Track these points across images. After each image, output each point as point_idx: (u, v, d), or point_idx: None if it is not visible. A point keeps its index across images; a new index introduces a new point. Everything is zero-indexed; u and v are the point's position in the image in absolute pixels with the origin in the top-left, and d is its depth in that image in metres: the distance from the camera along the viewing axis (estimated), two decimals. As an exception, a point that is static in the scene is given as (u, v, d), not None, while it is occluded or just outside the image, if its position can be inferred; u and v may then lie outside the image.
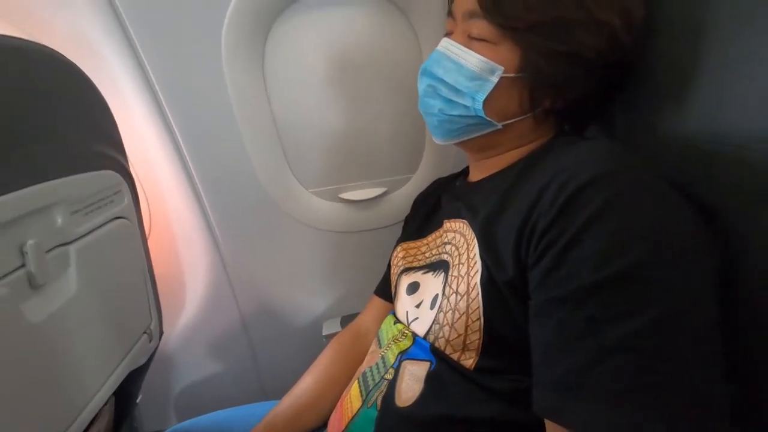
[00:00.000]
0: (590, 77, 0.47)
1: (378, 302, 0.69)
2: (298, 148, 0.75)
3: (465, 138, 0.52)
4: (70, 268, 0.45)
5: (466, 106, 0.48)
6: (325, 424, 0.59)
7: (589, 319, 0.33)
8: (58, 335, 0.43)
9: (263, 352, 0.90)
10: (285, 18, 0.65)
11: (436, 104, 0.51)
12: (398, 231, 0.70)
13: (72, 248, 0.46)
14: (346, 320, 0.81)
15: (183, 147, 0.68)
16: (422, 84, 0.53)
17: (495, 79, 0.47)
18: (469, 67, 0.48)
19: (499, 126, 0.49)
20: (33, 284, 0.40)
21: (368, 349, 0.60)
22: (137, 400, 0.73)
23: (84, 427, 0.49)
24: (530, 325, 0.38)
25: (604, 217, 0.34)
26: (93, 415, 0.51)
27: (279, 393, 0.65)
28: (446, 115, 0.50)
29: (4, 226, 0.37)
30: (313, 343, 0.82)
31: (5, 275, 0.37)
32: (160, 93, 0.63)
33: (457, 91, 0.49)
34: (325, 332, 0.80)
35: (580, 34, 0.44)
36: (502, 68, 0.46)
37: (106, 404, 0.57)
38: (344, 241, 0.82)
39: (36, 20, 0.56)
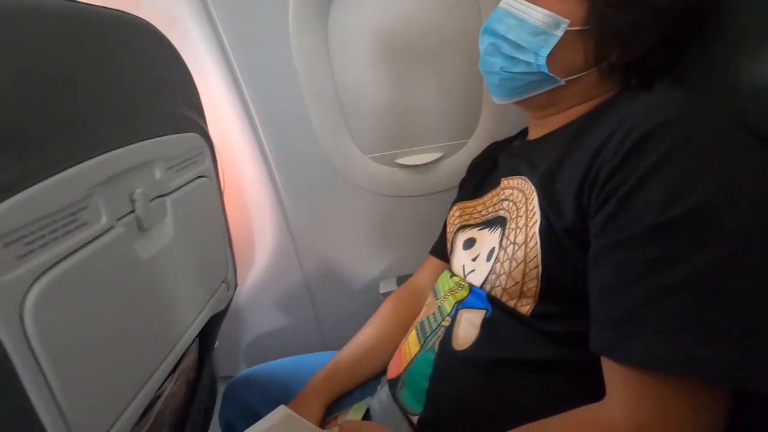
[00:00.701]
0: (660, 27, 0.46)
1: (433, 261, 0.72)
2: (358, 115, 0.78)
3: (527, 96, 0.53)
4: (167, 216, 0.52)
5: (528, 63, 0.49)
6: (384, 371, 0.64)
7: (649, 260, 0.34)
8: (160, 273, 0.50)
9: (324, 308, 0.96)
10: (347, -13, 0.67)
11: (498, 62, 0.52)
12: (453, 195, 0.72)
13: (168, 200, 0.52)
14: (402, 280, 0.85)
15: (254, 113, 0.74)
16: (483, 43, 0.54)
17: (560, 33, 0.47)
18: (532, 22, 0.48)
19: (563, 82, 0.49)
20: (141, 227, 0.47)
21: (424, 304, 0.63)
22: (215, 345, 0.81)
23: (178, 358, 0.57)
24: (590, 270, 0.39)
25: (671, 161, 0.35)
26: (184, 349, 0.58)
27: (338, 345, 0.70)
28: (508, 72, 0.51)
29: (119, 175, 0.43)
30: (370, 300, 0.87)
31: (121, 217, 0.44)
32: (235, 65, 0.68)
33: (519, 47, 0.49)
34: (382, 290, 0.84)
35: None
36: (568, 21, 0.46)
37: (192, 343, 0.65)
38: (400, 205, 0.86)
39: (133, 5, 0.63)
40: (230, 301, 0.73)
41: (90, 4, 0.42)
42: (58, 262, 0.35)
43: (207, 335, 0.74)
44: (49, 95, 0.35)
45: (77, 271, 0.37)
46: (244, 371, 0.81)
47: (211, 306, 0.65)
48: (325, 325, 0.99)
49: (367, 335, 0.69)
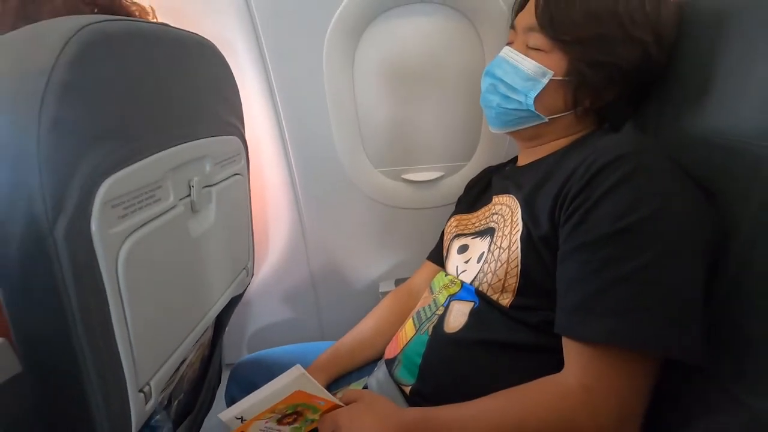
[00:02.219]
0: (625, 83, 0.57)
1: (430, 266, 0.82)
2: (372, 133, 0.89)
3: (517, 128, 0.64)
4: (211, 203, 0.62)
5: (519, 102, 0.60)
6: (380, 358, 0.72)
7: (602, 259, 0.45)
8: (202, 250, 0.59)
9: (326, 304, 1.05)
10: (374, 25, 0.79)
11: (495, 99, 0.63)
12: (450, 210, 0.82)
13: (213, 190, 0.62)
14: (400, 282, 0.94)
15: (284, 124, 0.85)
16: (485, 82, 0.65)
17: (545, 81, 0.58)
18: (524, 70, 0.59)
19: (546, 119, 0.61)
20: (193, 209, 0.56)
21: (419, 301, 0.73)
22: (225, 329, 0.89)
23: (206, 327, 0.65)
24: (558, 268, 0.49)
25: (621, 186, 0.45)
26: (211, 320, 0.67)
27: (336, 337, 0.79)
28: (503, 108, 0.62)
29: (183, 164, 0.53)
30: (369, 299, 0.96)
31: (182, 198, 0.54)
32: (273, 82, 0.80)
33: (513, 89, 0.61)
34: (381, 290, 0.94)
35: (617, 48, 0.54)
36: (552, 72, 0.58)
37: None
38: (403, 216, 0.96)
39: (190, 21, 0.74)
40: (247, 287, 0.82)
41: (176, 28, 0.53)
42: (141, 226, 0.45)
43: (221, 317, 0.82)
44: (146, 98, 0.46)
45: (150, 236, 0.46)
46: (250, 355, 0.89)
47: (233, 288, 0.74)
48: (326, 320, 1.08)
49: (366, 325, 0.78)
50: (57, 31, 0.37)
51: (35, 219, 0.34)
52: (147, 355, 0.47)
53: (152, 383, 0.49)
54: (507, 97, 0.62)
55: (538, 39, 0.58)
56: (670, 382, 0.46)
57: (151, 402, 0.49)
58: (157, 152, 0.47)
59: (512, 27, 0.64)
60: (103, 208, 0.39)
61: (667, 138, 0.58)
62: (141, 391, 0.47)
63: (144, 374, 0.47)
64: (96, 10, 0.56)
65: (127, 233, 0.43)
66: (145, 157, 0.45)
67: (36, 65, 0.34)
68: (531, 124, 0.62)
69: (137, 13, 0.61)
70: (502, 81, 0.62)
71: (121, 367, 0.43)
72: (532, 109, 0.60)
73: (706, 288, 0.44)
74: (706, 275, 0.44)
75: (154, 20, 0.66)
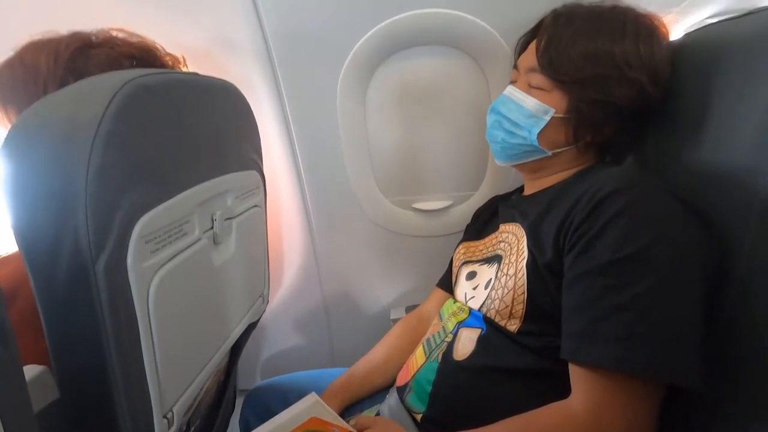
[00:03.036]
0: (623, 119, 0.60)
1: (439, 293, 0.84)
2: (383, 164, 0.93)
3: (521, 161, 0.67)
4: (231, 235, 0.65)
5: (524, 137, 0.64)
6: (391, 385, 0.74)
7: (604, 287, 0.47)
8: (223, 279, 0.62)
9: (338, 330, 1.07)
10: (385, 65, 0.85)
11: (500, 134, 0.66)
12: (459, 238, 0.85)
13: (234, 222, 0.65)
14: (410, 309, 0.96)
15: (299, 156, 0.89)
16: (490, 119, 0.69)
17: (547, 118, 0.62)
18: (527, 108, 0.63)
19: (549, 153, 0.64)
20: (216, 241, 0.60)
21: (429, 327, 0.74)
22: (240, 354, 0.92)
23: (225, 352, 0.68)
24: (563, 295, 0.51)
25: (621, 217, 0.48)
26: (230, 347, 0.69)
27: (348, 365, 0.80)
28: (507, 143, 0.66)
29: (208, 200, 0.57)
30: (381, 325, 0.98)
31: (205, 231, 0.57)
32: (290, 118, 0.85)
33: (517, 125, 0.64)
34: (392, 317, 0.95)
35: (614, 87, 0.58)
36: (554, 110, 0.61)
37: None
38: (413, 244, 0.99)
39: (216, 67, 0.80)
40: (262, 314, 0.85)
41: (204, 76, 0.58)
42: (170, 259, 0.48)
43: (237, 343, 0.84)
44: (178, 142, 0.50)
45: (178, 268, 0.49)
46: (265, 381, 0.91)
47: (250, 315, 0.76)
48: (337, 346, 1.10)
49: (378, 352, 0.80)
50: (103, 86, 0.41)
51: (80, 253, 0.38)
52: (171, 381, 0.50)
53: (175, 409, 0.51)
54: (511, 133, 0.65)
55: (539, 79, 0.62)
56: (672, 403, 0.47)
57: (174, 428, 0.51)
58: (186, 190, 0.51)
59: (515, 67, 0.68)
60: (138, 244, 0.42)
61: (666, 170, 0.60)
62: (165, 417, 0.49)
63: (168, 400, 0.49)
64: (135, 63, 0.61)
65: (158, 266, 0.46)
66: (176, 195, 0.49)
67: (86, 117, 0.38)
68: (535, 158, 0.65)
69: (171, 63, 0.67)
70: (506, 118, 0.65)
71: (148, 394, 0.46)
72: (536, 143, 0.63)
73: (705, 315, 0.46)
74: (705, 302, 0.46)
75: (186, 69, 0.71)
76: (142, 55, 0.62)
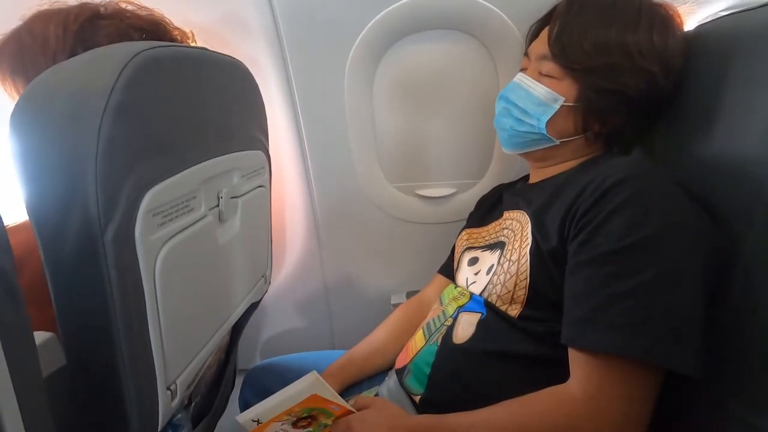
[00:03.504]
0: (633, 109, 0.60)
1: (440, 279, 0.84)
2: (389, 150, 0.93)
3: (529, 150, 0.67)
4: (237, 214, 0.65)
5: (532, 125, 0.63)
6: (390, 367, 0.75)
7: (607, 274, 0.47)
8: (227, 256, 0.63)
9: (338, 314, 1.08)
10: (394, 49, 0.84)
11: (509, 122, 0.66)
12: (462, 226, 0.85)
13: (239, 201, 0.65)
14: (411, 294, 0.97)
15: (305, 138, 0.89)
16: (499, 106, 0.68)
17: (557, 106, 0.61)
18: (537, 95, 0.63)
19: (557, 142, 0.63)
20: (221, 218, 0.60)
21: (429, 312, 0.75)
22: (241, 334, 0.93)
23: (228, 330, 0.69)
24: (565, 281, 0.52)
25: (627, 206, 0.48)
26: (232, 324, 0.70)
27: (347, 347, 0.81)
28: (516, 131, 0.66)
29: (215, 177, 0.57)
30: (381, 310, 0.98)
31: (211, 209, 0.57)
32: (297, 100, 0.85)
33: (526, 113, 0.64)
34: (392, 302, 0.96)
35: (625, 76, 0.57)
36: (563, 98, 0.61)
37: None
38: (416, 230, 0.99)
39: (224, 44, 0.79)
40: (264, 294, 0.85)
41: (214, 51, 0.57)
42: (177, 233, 0.48)
43: (238, 322, 0.85)
44: (187, 116, 0.50)
45: (184, 242, 0.50)
46: (264, 361, 0.92)
47: (252, 295, 0.77)
48: (337, 329, 1.11)
49: (378, 335, 0.81)
50: (114, 57, 0.41)
51: (89, 222, 0.38)
52: (175, 353, 0.50)
53: (178, 381, 0.52)
54: (520, 121, 0.65)
55: (550, 67, 0.62)
56: (673, 398, 0.47)
57: (177, 400, 0.52)
58: (193, 165, 0.51)
59: (526, 54, 0.68)
60: (145, 217, 0.42)
61: (674, 162, 0.60)
62: (168, 388, 0.50)
63: (172, 372, 0.50)
64: (144, 36, 0.61)
65: (164, 240, 0.46)
66: (183, 170, 0.49)
67: (96, 87, 0.38)
68: (542, 147, 0.65)
69: (179, 38, 0.66)
70: (515, 105, 0.65)
71: (153, 365, 0.46)
72: (544, 132, 0.63)
73: (709, 307, 0.46)
74: (707, 293, 0.46)
75: (194, 44, 0.71)
76: (151, 28, 0.62)
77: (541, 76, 0.63)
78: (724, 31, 0.56)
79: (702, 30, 0.60)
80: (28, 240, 0.46)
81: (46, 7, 0.61)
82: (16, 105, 0.39)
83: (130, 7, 0.62)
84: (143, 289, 0.44)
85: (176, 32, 0.65)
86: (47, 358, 0.41)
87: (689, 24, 0.64)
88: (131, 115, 0.40)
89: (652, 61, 0.57)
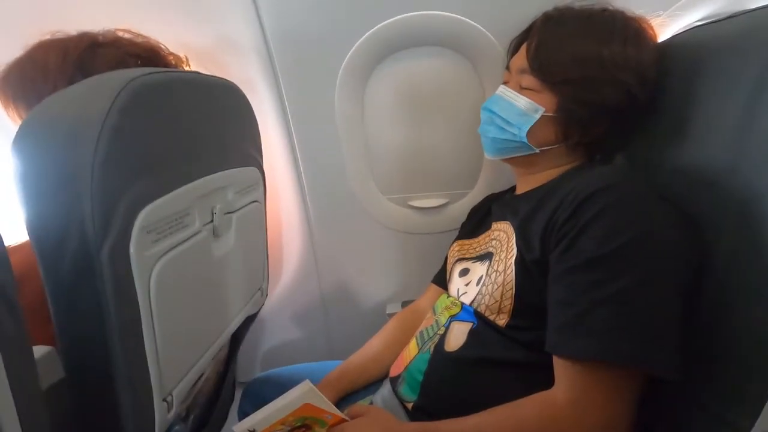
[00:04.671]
0: (611, 119, 0.62)
1: (434, 289, 0.86)
2: (381, 162, 0.95)
3: (510, 156, 0.69)
4: (231, 229, 0.67)
5: (513, 134, 0.65)
6: (385, 376, 0.76)
7: (587, 282, 0.48)
8: (222, 271, 0.64)
9: (335, 324, 1.10)
10: (383, 65, 0.87)
11: (492, 130, 0.68)
12: (455, 235, 0.87)
13: (234, 216, 0.67)
14: (406, 304, 0.98)
15: (298, 153, 0.92)
16: (483, 115, 0.71)
17: (537, 116, 0.63)
18: (518, 106, 0.65)
19: (537, 150, 0.65)
20: (216, 234, 0.62)
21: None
22: (240, 346, 0.94)
23: (224, 342, 0.70)
24: (548, 290, 0.53)
25: (604, 214, 0.50)
26: (228, 337, 0.72)
27: (344, 357, 0.82)
28: (498, 138, 0.68)
29: (209, 193, 0.59)
30: (377, 320, 1.00)
31: (205, 224, 0.59)
32: (290, 117, 0.88)
33: (508, 122, 0.66)
34: (388, 311, 0.98)
35: (602, 88, 0.60)
36: (543, 108, 0.63)
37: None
38: (410, 241, 1.01)
39: (218, 66, 0.83)
40: (261, 307, 0.87)
41: (206, 75, 0.60)
42: (171, 249, 0.50)
43: (237, 335, 0.86)
44: (180, 137, 0.52)
45: (178, 258, 0.51)
46: (263, 373, 0.93)
47: (249, 308, 0.79)
48: (334, 339, 1.12)
49: (374, 344, 0.82)
50: (110, 84, 0.43)
51: (86, 239, 0.40)
52: (171, 366, 0.52)
53: (174, 393, 0.53)
54: (502, 129, 0.67)
55: (529, 80, 0.64)
56: (652, 396, 0.49)
57: (173, 411, 0.53)
58: (187, 183, 0.53)
59: (507, 68, 0.70)
60: (140, 233, 0.44)
61: (653, 170, 0.62)
62: (164, 400, 0.51)
63: (168, 384, 0.52)
64: (140, 63, 0.64)
65: (158, 255, 0.48)
66: (177, 188, 0.51)
67: (93, 112, 0.41)
68: (522, 154, 0.67)
69: (174, 62, 0.69)
70: (498, 115, 0.67)
71: (149, 376, 0.48)
72: (525, 140, 0.65)
73: (687, 310, 0.48)
74: (686, 297, 0.48)
75: (189, 68, 0.74)
76: (147, 55, 0.64)
77: (521, 89, 0.65)
78: (695, 41, 0.58)
79: (674, 41, 0.62)
80: (26, 259, 0.48)
81: (48, 37, 0.64)
82: (18, 129, 0.41)
83: (126, 35, 0.65)
84: (138, 303, 0.45)
85: (171, 57, 0.68)
86: (46, 370, 0.42)
87: (664, 36, 0.66)
88: (125, 138, 0.42)
89: (627, 72, 0.59)
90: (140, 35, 0.67)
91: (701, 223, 0.51)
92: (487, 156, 0.73)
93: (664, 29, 0.67)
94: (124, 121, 0.42)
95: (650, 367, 0.45)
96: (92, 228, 0.40)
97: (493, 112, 0.68)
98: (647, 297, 0.46)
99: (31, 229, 0.41)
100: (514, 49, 0.70)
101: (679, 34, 0.62)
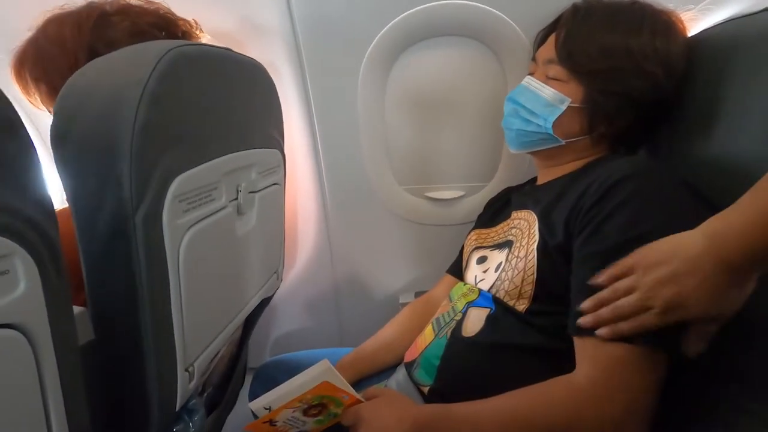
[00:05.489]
0: (637, 111, 0.62)
1: (449, 279, 0.86)
2: (399, 153, 0.96)
3: (535, 149, 0.69)
4: (254, 208, 0.68)
5: (539, 125, 0.66)
6: (398, 363, 0.76)
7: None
8: (243, 249, 0.65)
9: (347, 312, 1.10)
10: (406, 54, 0.87)
11: (516, 122, 0.69)
12: (469, 228, 0.87)
13: (257, 196, 0.68)
14: (419, 294, 0.98)
15: (318, 139, 0.92)
16: (508, 107, 0.71)
17: (563, 107, 0.63)
18: (544, 97, 0.65)
19: (563, 142, 0.66)
20: (239, 211, 0.63)
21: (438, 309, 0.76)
22: (253, 329, 0.94)
23: (241, 321, 0.71)
24: (572, 275, 0.53)
25: (630, 201, 0.50)
26: (245, 317, 0.72)
27: (355, 345, 0.82)
28: (523, 130, 0.68)
29: (235, 170, 0.60)
30: (389, 310, 1.00)
31: (230, 201, 0.60)
32: (312, 99, 0.88)
33: (533, 113, 0.66)
34: (401, 300, 0.98)
35: (629, 79, 0.60)
36: (570, 99, 0.63)
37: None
38: (425, 232, 1.01)
39: (242, 45, 0.83)
40: (275, 291, 0.88)
41: (236, 52, 0.60)
42: (199, 220, 0.51)
43: (250, 318, 0.87)
44: (212, 110, 0.53)
45: (206, 230, 0.52)
46: (274, 357, 0.93)
47: (264, 290, 0.79)
48: (346, 328, 1.12)
49: (387, 332, 0.82)
50: (149, 53, 0.44)
51: (122, 203, 0.41)
52: (194, 336, 0.52)
53: (196, 364, 0.54)
54: (527, 121, 0.67)
55: (556, 70, 0.64)
56: (679, 388, 0.48)
57: (194, 382, 0.54)
58: (216, 158, 0.54)
59: (533, 59, 0.70)
60: (173, 201, 0.45)
61: (679, 162, 0.62)
62: (186, 370, 0.52)
63: (190, 354, 0.52)
64: (164, 34, 0.64)
65: (188, 225, 0.49)
66: (207, 161, 0.52)
67: (134, 78, 0.41)
68: (548, 146, 0.67)
69: (184, 27, 0.69)
70: (523, 107, 0.67)
71: (174, 344, 0.49)
72: (551, 132, 0.65)
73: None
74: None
75: (200, 33, 0.73)
76: (164, 24, 0.65)
77: (548, 80, 0.65)
78: (728, 35, 0.58)
79: (706, 34, 0.62)
80: (62, 228, 0.49)
81: (57, 10, 0.64)
82: (60, 93, 0.42)
83: (135, 1, 0.65)
84: (168, 271, 0.46)
85: (181, 22, 0.68)
86: (78, 330, 0.43)
87: (695, 30, 0.66)
88: (163, 106, 0.43)
89: (655, 64, 0.59)
90: (150, 1, 0.66)
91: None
92: (511, 150, 0.73)
93: (696, 23, 0.66)
94: (162, 88, 0.42)
95: (677, 348, 0.45)
96: (129, 192, 0.41)
97: (518, 103, 0.68)
98: None
99: (69, 190, 0.42)
100: (541, 40, 0.71)
101: (710, 27, 0.62)
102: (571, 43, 0.62)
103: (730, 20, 0.58)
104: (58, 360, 0.32)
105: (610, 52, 0.60)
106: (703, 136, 0.58)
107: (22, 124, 0.29)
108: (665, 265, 0.42)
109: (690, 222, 0.49)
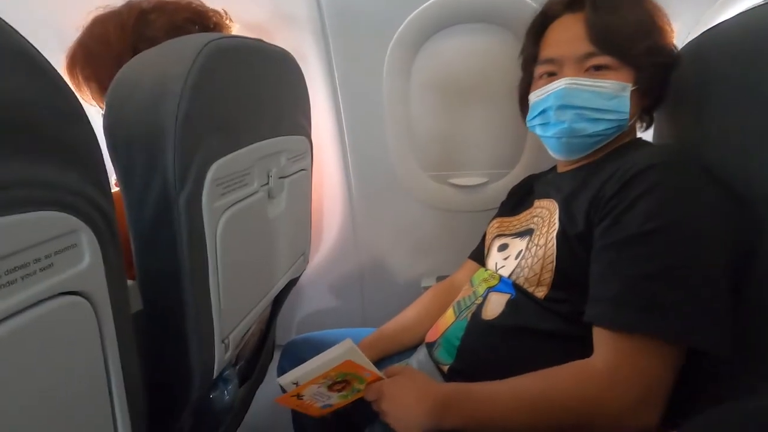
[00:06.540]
0: (665, 79, 0.63)
1: (471, 264, 0.87)
2: (423, 140, 0.97)
3: (598, 147, 0.65)
4: (283, 192, 0.71)
5: (610, 120, 0.62)
6: (420, 344, 0.79)
7: (634, 256, 0.49)
8: (274, 231, 0.69)
9: (370, 294, 1.14)
10: (431, 41, 0.88)
11: (587, 126, 0.63)
12: (492, 214, 0.88)
13: (286, 181, 0.71)
14: (441, 279, 1.00)
15: (344, 127, 0.95)
16: (565, 115, 0.64)
17: (626, 94, 0.61)
18: (605, 91, 0.61)
19: (627, 127, 0.64)
20: (270, 195, 0.66)
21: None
22: (281, 309, 0.99)
23: (271, 300, 0.75)
24: (591, 263, 0.54)
25: (652, 191, 0.50)
26: (275, 296, 0.76)
27: (378, 326, 0.85)
28: (595, 132, 0.63)
29: (266, 156, 0.63)
30: (412, 293, 1.03)
31: (262, 186, 0.63)
32: (339, 91, 0.91)
33: (601, 111, 0.62)
34: (423, 285, 1.01)
35: (663, 46, 0.61)
36: (629, 84, 0.61)
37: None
38: (448, 218, 1.03)
39: (269, 34, 0.86)
40: (302, 272, 0.92)
41: (268, 43, 0.63)
42: (234, 203, 0.55)
43: (279, 297, 0.91)
44: (246, 99, 0.56)
45: (240, 212, 0.56)
46: (301, 335, 0.98)
47: (292, 271, 0.83)
48: (369, 309, 1.16)
49: (408, 314, 0.85)
50: (188, 47, 0.47)
51: (167, 187, 0.45)
52: (229, 310, 0.56)
53: (231, 337, 0.58)
54: (596, 120, 0.63)
55: (603, 59, 0.61)
56: (699, 381, 0.49)
57: (229, 353, 0.58)
58: (250, 144, 0.57)
59: (546, 62, 0.68)
60: (211, 185, 0.49)
61: (703, 150, 0.61)
62: (223, 341, 0.56)
63: (226, 327, 0.56)
64: (197, 28, 0.68)
65: (224, 208, 0.52)
66: (241, 148, 0.55)
67: (176, 71, 0.45)
68: (608, 140, 0.65)
69: (214, 18, 0.72)
70: (586, 108, 0.63)
71: (212, 318, 0.53)
72: (627, 121, 0.63)
73: (735, 289, 0.48)
74: (732, 276, 0.48)
75: (229, 23, 0.76)
76: (195, 17, 0.68)
77: (592, 72, 0.63)
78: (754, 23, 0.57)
79: (726, 25, 0.60)
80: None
81: (101, 10, 0.68)
82: (111, 86, 0.46)
83: None
84: (207, 249, 0.50)
85: (211, 13, 0.71)
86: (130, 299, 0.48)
87: (713, 22, 0.65)
88: (203, 96, 0.46)
89: (665, 20, 0.62)
90: None
91: (753, 204, 0.51)
92: (573, 157, 0.69)
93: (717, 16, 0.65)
94: (202, 80, 0.46)
95: (699, 343, 0.46)
96: (173, 175, 0.45)
97: (577, 107, 0.63)
98: (696, 274, 0.47)
99: (120, 175, 0.46)
100: (534, 41, 0.70)
101: (729, 18, 0.60)
102: (611, 31, 0.61)
103: (750, 9, 0.57)
104: (115, 323, 0.37)
105: (644, 26, 0.61)
106: (725, 125, 0.57)
107: (85, 113, 0.32)
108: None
109: (711, 216, 0.49)
